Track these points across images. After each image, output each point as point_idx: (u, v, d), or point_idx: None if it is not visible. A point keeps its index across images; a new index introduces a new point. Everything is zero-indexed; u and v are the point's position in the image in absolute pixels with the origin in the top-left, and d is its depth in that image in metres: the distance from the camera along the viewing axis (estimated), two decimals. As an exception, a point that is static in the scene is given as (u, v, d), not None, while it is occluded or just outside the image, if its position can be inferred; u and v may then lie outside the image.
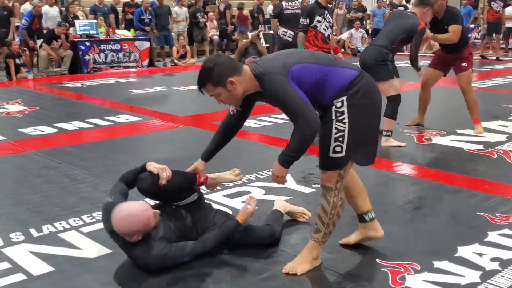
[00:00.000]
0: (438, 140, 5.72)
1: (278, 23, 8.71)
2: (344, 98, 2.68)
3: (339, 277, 2.81)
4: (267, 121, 6.76)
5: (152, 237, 2.82)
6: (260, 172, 4.63)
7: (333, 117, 2.70)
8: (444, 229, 3.47)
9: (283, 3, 8.49)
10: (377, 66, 5.18)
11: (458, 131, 6.07)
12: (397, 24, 5.38)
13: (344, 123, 2.69)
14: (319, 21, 6.32)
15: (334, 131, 2.71)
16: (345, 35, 16.76)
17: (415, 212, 3.79)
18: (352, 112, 2.69)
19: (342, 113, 2.69)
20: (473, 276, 2.82)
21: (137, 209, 2.75)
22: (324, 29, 6.33)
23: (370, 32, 17.60)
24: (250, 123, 6.64)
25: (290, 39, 8.06)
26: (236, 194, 4.07)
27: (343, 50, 15.82)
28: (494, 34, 14.50)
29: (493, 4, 14.32)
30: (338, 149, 2.74)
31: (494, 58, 14.30)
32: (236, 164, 4.75)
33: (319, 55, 2.88)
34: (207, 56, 2.86)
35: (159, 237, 2.85)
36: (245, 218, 3.08)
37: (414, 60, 5.52)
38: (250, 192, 4.11)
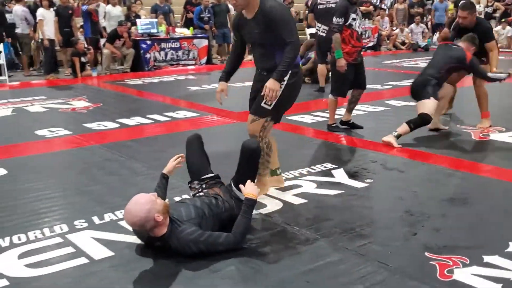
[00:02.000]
0: (496, 136, 5.62)
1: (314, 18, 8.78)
2: (290, 71, 3.66)
3: (387, 269, 2.84)
4: (321, 116, 6.80)
5: (176, 222, 2.97)
6: (312, 167, 4.68)
7: None
8: (495, 224, 3.43)
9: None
10: (419, 88, 5.57)
11: (518, 127, 5.93)
12: (444, 56, 5.67)
13: (281, 88, 3.65)
14: (354, 19, 5.84)
15: None
16: (401, 31, 16.52)
17: (467, 207, 3.76)
18: (289, 84, 3.70)
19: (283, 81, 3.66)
20: (524, 271, 2.80)
21: (137, 198, 2.93)
22: (358, 27, 5.93)
23: (431, 26, 17.22)
24: (304, 118, 6.70)
25: (324, 34, 8.18)
26: (288, 187, 4.15)
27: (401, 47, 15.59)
28: None
29: None
30: (269, 103, 3.72)
31: None
32: (289, 158, 4.86)
33: None
34: None
35: (185, 220, 3.00)
36: (258, 194, 3.22)
37: (492, 79, 5.66)
38: (302, 186, 4.17)
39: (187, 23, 14.20)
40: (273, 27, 3.55)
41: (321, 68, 8.88)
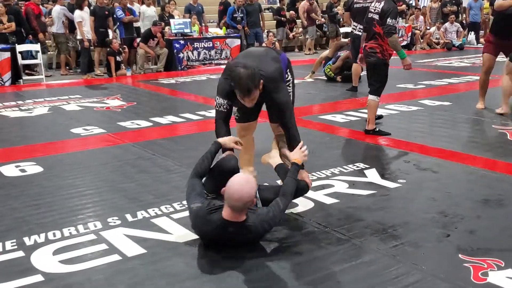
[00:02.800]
0: (534, 136, 5.49)
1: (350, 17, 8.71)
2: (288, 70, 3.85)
3: (420, 271, 2.81)
4: (354, 115, 6.75)
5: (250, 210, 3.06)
6: (344, 166, 4.65)
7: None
8: (533, 227, 3.36)
9: None
10: None
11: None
12: None
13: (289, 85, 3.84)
14: (397, 21, 5.91)
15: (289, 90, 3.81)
16: (438, 29, 16.29)
17: (502, 208, 3.69)
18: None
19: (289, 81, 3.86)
20: (561, 275, 2.73)
21: (246, 177, 3.12)
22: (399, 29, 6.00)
23: (466, 25, 16.94)
24: (336, 117, 6.66)
25: (360, 33, 7.60)
26: (320, 187, 4.13)
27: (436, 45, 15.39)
28: None
29: None
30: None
31: None
32: (321, 157, 4.84)
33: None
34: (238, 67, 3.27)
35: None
36: (302, 159, 3.41)
37: None
38: (334, 186, 4.15)
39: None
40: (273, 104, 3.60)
41: (356, 67, 8.80)
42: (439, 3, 17.22)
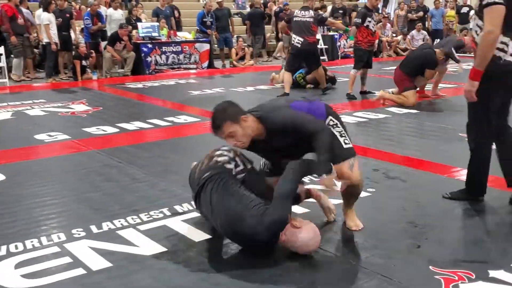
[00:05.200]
0: (499, 145, 5.55)
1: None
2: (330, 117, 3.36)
3: (390, 284, 2.79)
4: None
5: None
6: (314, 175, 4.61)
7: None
8: (502, 237, 3.38)
9: (296, 11, 9.11)
10: None
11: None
12: None
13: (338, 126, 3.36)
14: (369, 21, 8.51)
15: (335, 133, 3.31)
16: (403, 38, 16.53)
17: (473, 219, 3.71)
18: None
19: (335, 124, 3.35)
20: (531, 287, 2.74)
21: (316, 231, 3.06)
22: (372, 27, 8.61)
23: (429, 33, 17.18)
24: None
25: (299, 45, 8.77)
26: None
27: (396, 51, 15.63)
28: None
29: None
30: (347, 141, 3.33)
31: None
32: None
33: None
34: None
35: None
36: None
37: None
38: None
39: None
40: (290, 132, 3.14)
41: (319, 73, 9.37)
42: (405, 11, 17.47)
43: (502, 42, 3.55)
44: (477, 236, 3.40)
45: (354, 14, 13.66)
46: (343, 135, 3.33)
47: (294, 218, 3.07)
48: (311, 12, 8.87)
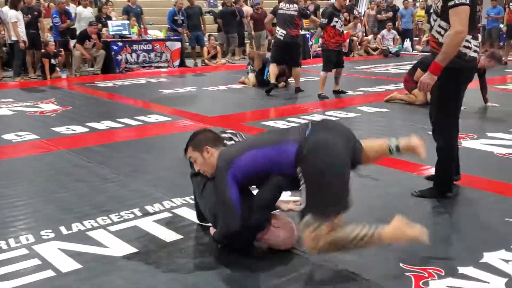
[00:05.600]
0: (468, 143, 5.64)
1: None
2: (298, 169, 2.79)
3: (361, 281, 2.81)
4: (295, 122, 6.76)
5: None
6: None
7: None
8: (470, 234, 3.43)
9: (280, 4, 9.19)
10: None
11: (489, 134, 5.99)
12: None
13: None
14: (336, 21, 8.53)
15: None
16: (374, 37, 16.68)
17: (442, 217, 3.76)
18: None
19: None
20: (498, 282, 2.78)
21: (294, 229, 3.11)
22: (340, 27, 8.62)
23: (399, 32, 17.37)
24: (278, 123, 6.66)
25: (282, 38, 8.89)
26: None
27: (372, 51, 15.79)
28: None
29: None
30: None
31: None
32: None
33: (266, 137, 3.14)
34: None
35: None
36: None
37: None
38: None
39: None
40: None
41: (296, 71, 9.38)
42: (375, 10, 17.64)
43: (466, 40, 3.67)
44: (447, 233, 3.45)
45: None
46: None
47: (274, 215, 3.13)
48: (296, 6, 8.94)
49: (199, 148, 3.05)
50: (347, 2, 10.71)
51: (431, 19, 3.93)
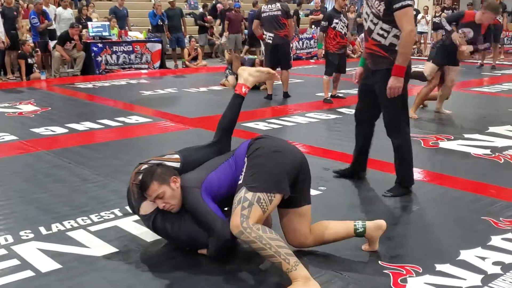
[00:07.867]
0: (445, 144, 5.73)
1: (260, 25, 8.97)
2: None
3: (341, 278, 2.84)
4: (276, 123, 6.80)
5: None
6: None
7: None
8: (447, 232, 3.49)
9: (263, 7, 8.86)
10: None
11: (466, 135, 6.08)
12: None
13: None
14: (336, 23, 8.30)
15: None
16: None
17: (419, 215, 3.81)
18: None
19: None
20: (475, 279, 2.84)
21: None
22: (341, 29, 8.38)
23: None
24: (259, 125, 6.68)
25: (270, 41, 8.64)
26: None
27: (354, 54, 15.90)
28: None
29: None
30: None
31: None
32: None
33: (217, 159, 3.17)
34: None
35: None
36: None
37: None
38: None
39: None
40: None
41: (285, 74, 9.03)
42: (356, 14, 17.76)
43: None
44: (424, 231, 3.50)
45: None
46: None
47: None
48: (278, 5, 8.56)
49: (166, 181, 2.90)
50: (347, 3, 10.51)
51: (368, 23, 4.01)
